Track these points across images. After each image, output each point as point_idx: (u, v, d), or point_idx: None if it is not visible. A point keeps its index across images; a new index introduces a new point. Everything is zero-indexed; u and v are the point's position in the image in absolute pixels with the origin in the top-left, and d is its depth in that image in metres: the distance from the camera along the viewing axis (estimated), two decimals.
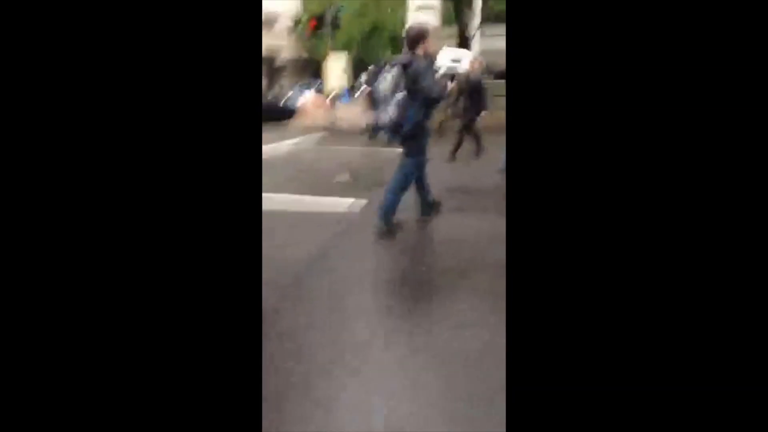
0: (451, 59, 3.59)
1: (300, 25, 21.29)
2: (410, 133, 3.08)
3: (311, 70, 19.67)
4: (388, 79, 3.00)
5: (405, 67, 2.93)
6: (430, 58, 3.13)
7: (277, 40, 22.30)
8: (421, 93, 2.93)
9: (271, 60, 21.82)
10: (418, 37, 3.02)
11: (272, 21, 22.34)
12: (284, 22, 23.15)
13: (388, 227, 3.22)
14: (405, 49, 3.08)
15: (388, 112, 2.98)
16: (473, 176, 5.43)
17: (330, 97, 11.43)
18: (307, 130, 8.29)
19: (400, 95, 2.93)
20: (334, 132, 9.55)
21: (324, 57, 14.05)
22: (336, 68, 13.57)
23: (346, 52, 13.88)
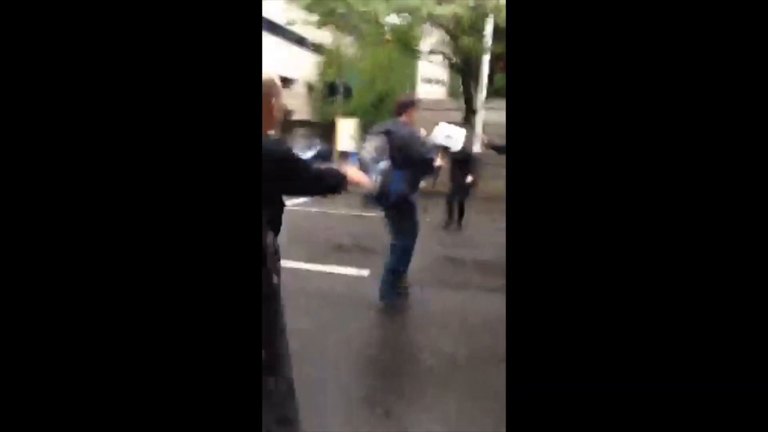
0: (445, 135, 3.38)
1: (314, 91, 22.31)
2: (395, 205, 2.81)
3: (321, 132, 20.38)
4: (368, 146, 2.81)
5: (387, 133, 2.76)
6: (414, 128, 2.91)
7: (293, 101, 23.29)
8: (408, 160, 2.73)
9: (287, 118, 22.63)
10: (404, 105, 2.90)
11: (290, 83, 23.46)
12: (301, 86, 24.38)
13: (391, 303, 3.06)
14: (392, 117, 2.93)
15: (371, 181, 2.78)
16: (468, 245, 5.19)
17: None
18: None
19: (383, 164, 2.72)
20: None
21: (334, 121, 14.33)
22: (345, 132, 13.82)
23: (356, 119, 14.16)
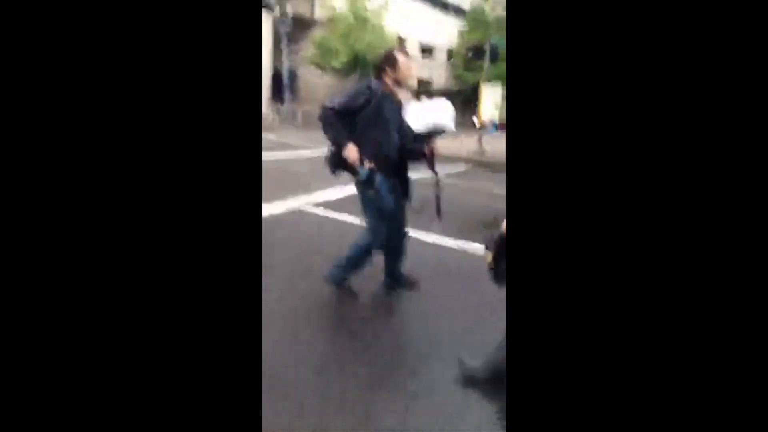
0: (426, 122, 2.42)
1: (454, 57, 21.17)
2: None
3: (462, 101, 19.28)
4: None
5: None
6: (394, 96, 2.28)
7: (433, 70, 22.65)
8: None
9: (427, 87, 22.17)
10: (384, 62, 2.26)
11: (429, 52, 22.79)
12: (441, 54, 23.51)
13: (334, 282, 2.44)
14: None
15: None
16: None
17: (479, 128, 10.86)
18: (448, 160, 7.68)
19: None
20: (478, 165, 8.81)
21: (477, 88, 13.22)
22: (489, 100, 12.69)
23: (500, 84, 12.82)
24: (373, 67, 2.28)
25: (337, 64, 15.30)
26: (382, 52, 2.38)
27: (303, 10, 17.12)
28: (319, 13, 17.52)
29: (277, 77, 15.97)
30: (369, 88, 2.18)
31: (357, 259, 2.37)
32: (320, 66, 15.82)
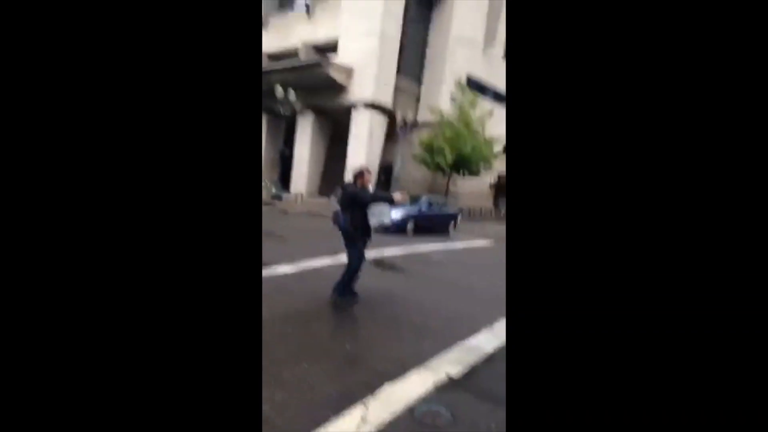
0: (374, 220, 4.36)
1: None
2: (344, 234, 4.24)
3: None
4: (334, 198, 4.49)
5: (342, 190, 4.39)
6: (362, 187, 4.27)
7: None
8: (354, 205, 4.14)
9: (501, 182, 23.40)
10: (356, 175, 4.30)
11: None
12: None
13: (343, 299, 4.27)
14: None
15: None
16: None
17: None
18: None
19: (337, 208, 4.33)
20: None
21: None
22: None
23: None
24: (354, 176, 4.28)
25: (443, 162, 17.08)
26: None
27: (405, 112, 19.41)
28: (421, 117, 19.81)
29: (387, 170, 18.02)
30: (366, 191, 4.25)
31: (352, 275, 4.27)
32: (425, 163, 17.66)
